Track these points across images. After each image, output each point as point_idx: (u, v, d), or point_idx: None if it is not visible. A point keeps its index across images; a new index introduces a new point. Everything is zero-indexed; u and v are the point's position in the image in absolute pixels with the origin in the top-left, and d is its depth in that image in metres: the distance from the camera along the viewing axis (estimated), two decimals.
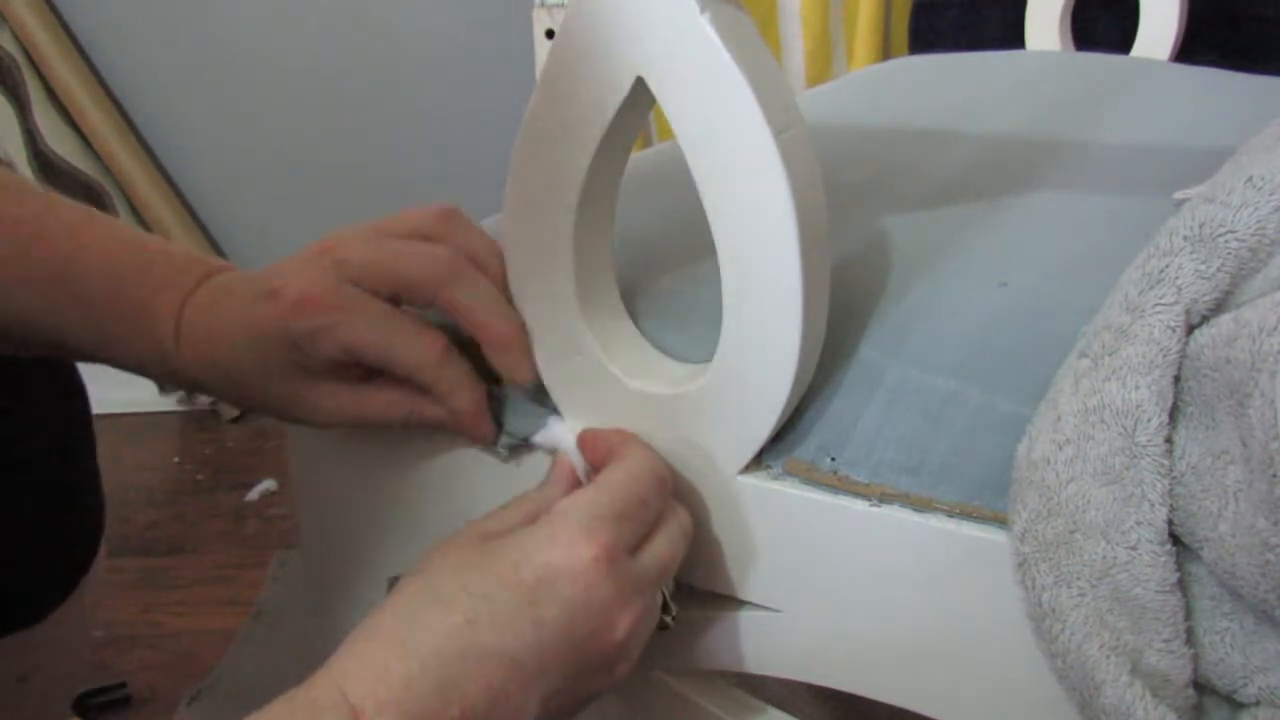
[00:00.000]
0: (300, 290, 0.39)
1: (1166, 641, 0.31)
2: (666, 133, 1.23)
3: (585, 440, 0.40)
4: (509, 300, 0.40)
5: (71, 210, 0.43)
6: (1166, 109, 0.64)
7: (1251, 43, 0.92)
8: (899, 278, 0.41)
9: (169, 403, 1.65)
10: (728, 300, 0.35)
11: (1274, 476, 0.27)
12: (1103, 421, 0.31)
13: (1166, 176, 0.45)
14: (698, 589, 0.41)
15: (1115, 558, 0.31)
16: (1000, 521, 0.34)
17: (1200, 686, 0.32)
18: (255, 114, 1.58)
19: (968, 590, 0.35)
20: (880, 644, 0.38)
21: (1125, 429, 0.31)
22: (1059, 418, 0.32)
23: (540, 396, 0.41)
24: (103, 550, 0.64)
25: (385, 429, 0.42)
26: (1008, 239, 0.44)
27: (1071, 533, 0.31)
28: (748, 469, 0.38)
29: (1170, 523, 0.31)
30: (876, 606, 0.37)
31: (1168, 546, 0.31)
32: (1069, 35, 0.90)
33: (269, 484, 1.43)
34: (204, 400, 1.63)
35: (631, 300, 0.41)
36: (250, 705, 0.30)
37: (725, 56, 0.31)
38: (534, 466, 0.42)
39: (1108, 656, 0.31)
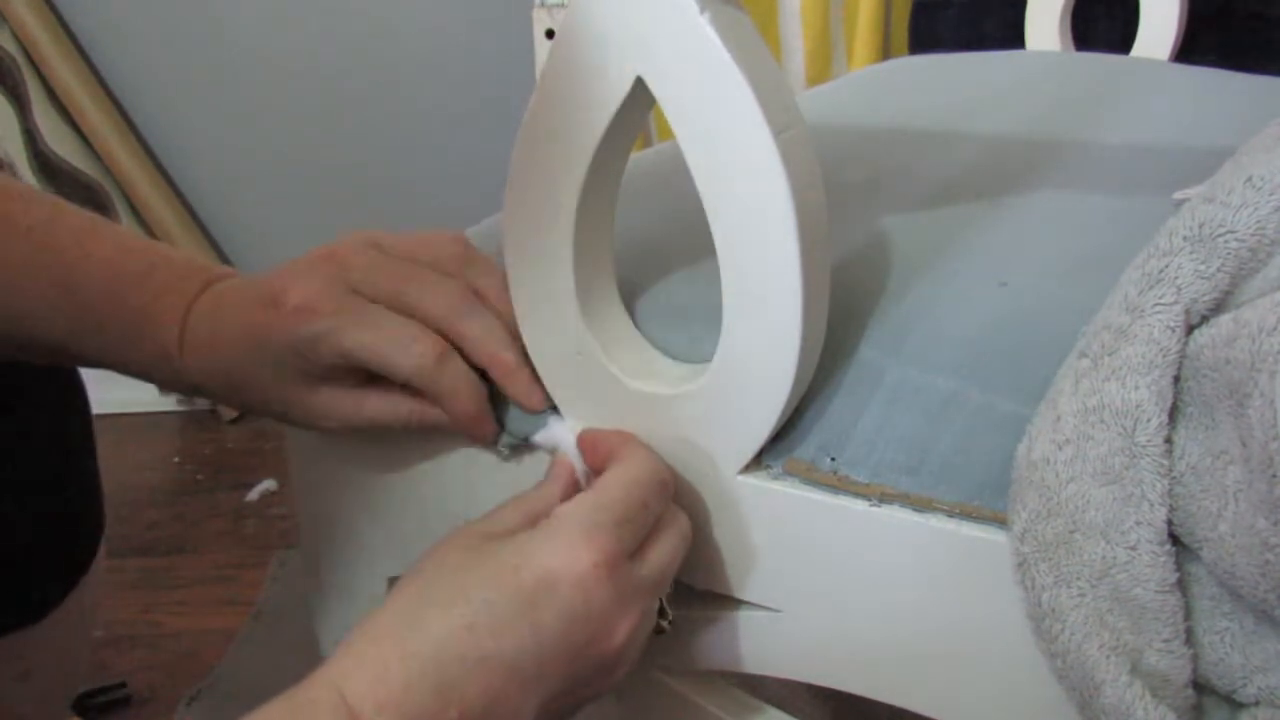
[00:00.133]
0: (302, 296, 0.39)
1: (1166, 641, 0.31)
2: (666, 133, 1.23)
3: (585, 441, 0.40)
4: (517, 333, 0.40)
5: (78, 217, 0.43)
6: (1166, 109, 0.63)
7: (1251, 43, 0.92)
8: (899, 278, 0.41)
9: (169, 403, 1.65)
10: (728, 300, 0.35)
11: (1274, 476, 0.27)
12: (1102, 421, 0.31)
13: (1166, 176, 0.45)
14: (697, 589, 0.41)
15: (1115, 558, 0.31)
16: (1000, 522, 0.34)
17: (1200, 686, 0.32)
18: (255, 114, 1.58)
19: (968, 590, 0.35)
20: (880, 644, 0.38)
21: (1125, 429, 0.31)
22: (1059, 418, 0.32)
23: None
24: (102, 550, 0.64)
25: (386, 430, 0.42)
26: (1008, 239, 0.44)
27: (1071, 533, 0.31)
28: (748, 469, 0.38)
29: (1170, 523, 0.31)
30: (876, 606, 0.37)
31: (1167, 546, 0.31)
32: (1069, 35, 0.90)
33: (269, 484, 1.43)
34: (204, 400, 1.63)
35: (631, 300, 0.41)
36: (250, 705, 0.30)
37: (725, 56, 0.31)
38: (534, 466, 0.42)
39: (1107, 656, 0.31)
